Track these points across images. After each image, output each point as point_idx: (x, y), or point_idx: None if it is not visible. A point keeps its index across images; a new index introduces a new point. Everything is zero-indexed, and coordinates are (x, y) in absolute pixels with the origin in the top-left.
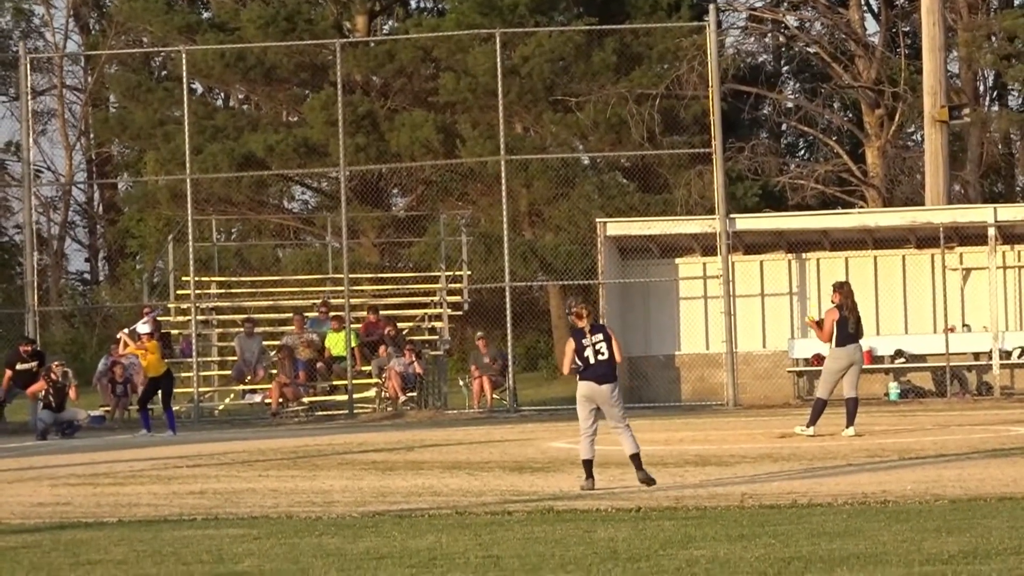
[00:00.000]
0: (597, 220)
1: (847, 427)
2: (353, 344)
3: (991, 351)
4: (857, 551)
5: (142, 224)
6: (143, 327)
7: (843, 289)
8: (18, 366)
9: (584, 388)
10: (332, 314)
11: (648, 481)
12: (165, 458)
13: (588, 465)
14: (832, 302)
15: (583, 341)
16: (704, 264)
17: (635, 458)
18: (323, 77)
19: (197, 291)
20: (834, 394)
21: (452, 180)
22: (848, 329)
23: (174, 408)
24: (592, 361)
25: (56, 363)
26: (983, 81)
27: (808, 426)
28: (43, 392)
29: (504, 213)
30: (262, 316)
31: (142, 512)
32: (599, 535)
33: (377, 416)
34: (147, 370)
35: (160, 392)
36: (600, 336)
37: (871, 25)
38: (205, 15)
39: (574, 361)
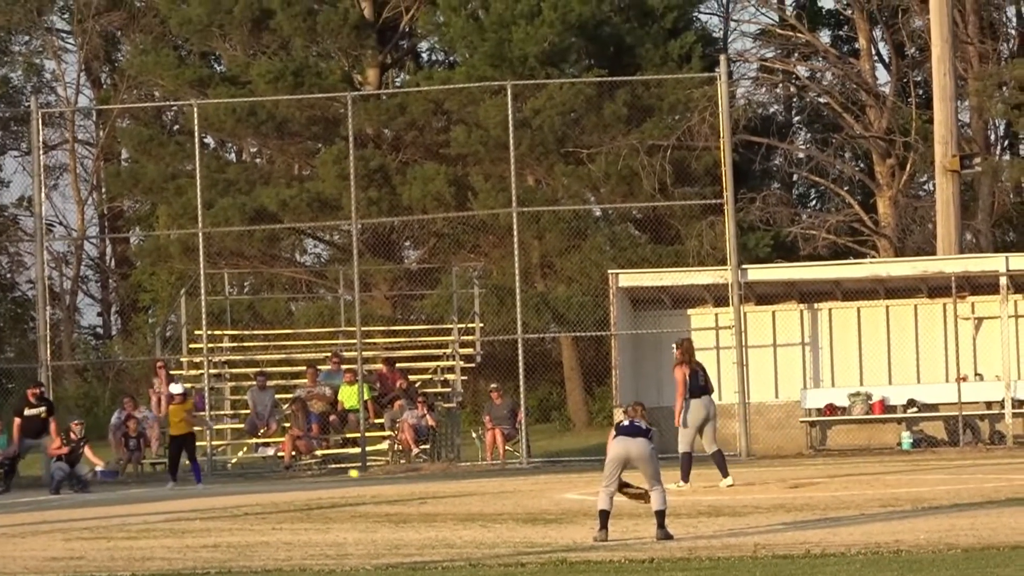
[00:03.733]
0: (609, 272)
1: (724, 478)
2: (366, 397)
3: (1003, 400)
4: None
5: (154, 278)
6: (176, 388)
7: (683, 345)
8: (26, 412)
9: (617, 446)
10: (345, 367)
11: (666, 538)
12: (178, 512)
13: (604, 516)
14: (676, 359)
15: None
16: (716, 315)
17: (659, 515)
18: (334, 131)
19: (209, 345)
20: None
21: (464, 232)
22: (699, 382)
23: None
24: (625, 423)
25: (76, 423)
26: (994, 130)
27: (682, 481)
28: (59, 447)
29: (516, 265)
30: (275, 369)
31: (156, 566)
32: None
33: (390, 469)
34: (171, 428)
35: (184, 450)
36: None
37: (882, 75)
38: (217, 68)
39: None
